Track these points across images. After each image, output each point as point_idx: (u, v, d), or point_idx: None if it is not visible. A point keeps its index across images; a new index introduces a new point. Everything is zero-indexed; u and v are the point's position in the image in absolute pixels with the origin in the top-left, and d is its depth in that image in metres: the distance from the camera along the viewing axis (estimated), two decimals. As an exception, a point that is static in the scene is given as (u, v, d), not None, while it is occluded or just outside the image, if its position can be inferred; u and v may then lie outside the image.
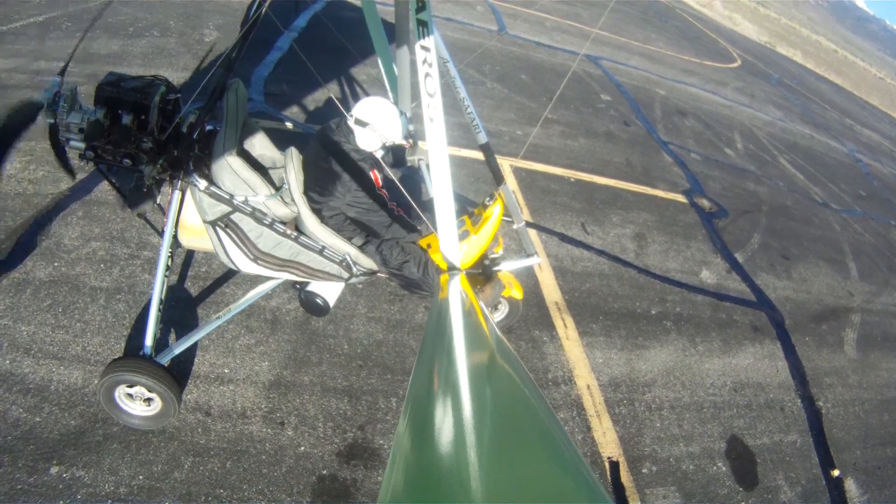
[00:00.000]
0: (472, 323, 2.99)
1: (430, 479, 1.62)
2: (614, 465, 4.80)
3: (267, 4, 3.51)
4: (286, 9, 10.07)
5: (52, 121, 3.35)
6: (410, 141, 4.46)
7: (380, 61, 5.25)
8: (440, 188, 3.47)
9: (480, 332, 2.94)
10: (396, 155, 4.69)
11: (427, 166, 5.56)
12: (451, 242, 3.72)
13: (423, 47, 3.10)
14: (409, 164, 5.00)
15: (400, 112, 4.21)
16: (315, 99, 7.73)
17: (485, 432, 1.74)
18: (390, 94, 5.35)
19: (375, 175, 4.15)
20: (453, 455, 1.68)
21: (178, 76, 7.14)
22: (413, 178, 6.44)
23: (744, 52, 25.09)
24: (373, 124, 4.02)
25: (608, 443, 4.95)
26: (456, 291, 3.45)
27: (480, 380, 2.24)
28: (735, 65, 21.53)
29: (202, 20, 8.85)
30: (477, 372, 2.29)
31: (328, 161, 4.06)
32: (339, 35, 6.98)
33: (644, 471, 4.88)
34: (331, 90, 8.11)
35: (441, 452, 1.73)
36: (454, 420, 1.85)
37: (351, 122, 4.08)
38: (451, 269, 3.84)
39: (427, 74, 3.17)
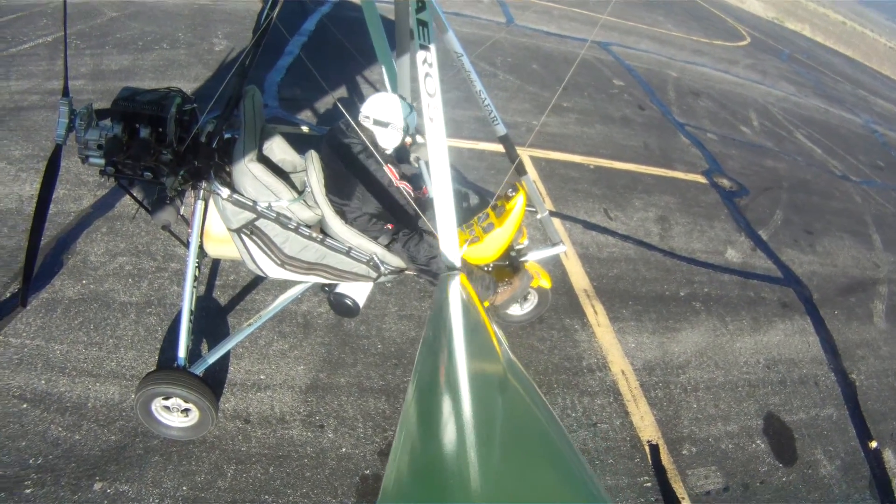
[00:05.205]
0: (473, 323, 2.99)
1: (431, 472, 1.66)
2: (654, 448, 4.76)
3: (277, 10, 3.50)
4: (295, 13, 10.09)
5: (60, 141, 3.35)
6: (410, 140, 4.46)
7: (380, 61, 5.23)
8: (440, 188, 3.43)
9: (485, 337, 2.93)
10: (399, 152, 4.67)
11: (426, 164, 5.54)
12: (451, 242, 3.65)
13: (422, 47, 3.09)
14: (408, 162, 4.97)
15: (401, 98, 4.26)
16: (329, 101, 7.72)
17: (488, 436, 1.77)
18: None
19: (392, 170, 4.11)
20: (454, 453, 1.71)
21: (191, 86, 7.15)
22: (412, 179, 6.42)
23: (752, 29, 24.81)
24: (394, 122, 4.03)
25: (646, 426, 4.91)
26: (456, 291, 3.41)
27: (487, 387, 2.25)
28: (744, 42, 21.29)
29: (210, 30, 8.88)
30: (481, 377, 2.31)
31: (339, 163, 4.06)
32: (346, 36, 6.98)
33: (684, 452, 4.83)
34: (341, 92, 8.12)
35: (442, 447, 1.77)
36: (455, 419, 1.88)
37: (369, 124, 4.07)
38: (451, 269, 3.77)
39: (427, 74, 3.16)
